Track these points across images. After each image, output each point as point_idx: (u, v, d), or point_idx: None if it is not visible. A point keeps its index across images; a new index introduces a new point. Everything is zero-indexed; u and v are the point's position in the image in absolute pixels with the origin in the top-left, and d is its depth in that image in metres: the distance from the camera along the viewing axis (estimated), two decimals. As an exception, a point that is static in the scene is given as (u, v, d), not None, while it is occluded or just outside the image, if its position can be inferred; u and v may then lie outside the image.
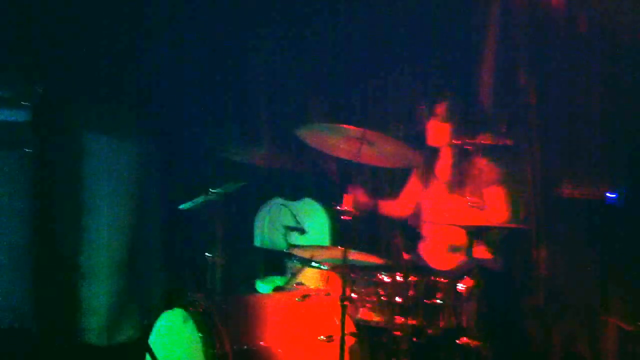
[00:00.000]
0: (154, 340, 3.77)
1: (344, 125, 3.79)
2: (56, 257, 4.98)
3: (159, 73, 5.17)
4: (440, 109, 4.28)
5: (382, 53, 5.18)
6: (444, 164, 4.41)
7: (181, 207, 4.53)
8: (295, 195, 5.16)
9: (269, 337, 3.66)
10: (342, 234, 3.85)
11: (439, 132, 4.31)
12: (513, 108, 4.67)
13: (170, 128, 5.27)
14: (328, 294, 3.87)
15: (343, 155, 3.96)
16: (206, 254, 4.43)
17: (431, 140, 4.37)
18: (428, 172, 4.50)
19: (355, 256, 3.91)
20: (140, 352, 3.85)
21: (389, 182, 4.71)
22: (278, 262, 4.67)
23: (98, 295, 5.05)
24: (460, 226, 3.84)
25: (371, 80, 5.20)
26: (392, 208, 4.61)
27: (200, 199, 4.55)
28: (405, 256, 3.89)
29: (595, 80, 4.37)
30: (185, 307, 3.69)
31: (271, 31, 5.33)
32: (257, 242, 5.12)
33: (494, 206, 4.22)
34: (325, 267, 4.02)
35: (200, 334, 3.57)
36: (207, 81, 5.35)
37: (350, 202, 3.81)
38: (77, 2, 4.87)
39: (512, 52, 4.76)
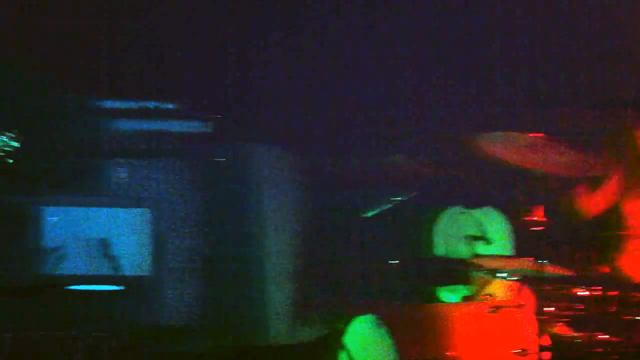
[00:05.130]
0: (346, 342, 3.85)
1: (524, 133, 3.71)
2: (239, 259, 5.19)
3: (323, 80, 5.30)
4: None
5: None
6: None
7: (364, 215, 4.61)
8: (475, 203, 5.10)
9: (461, 347, 3.65)
10: (531, 244, 3.77)
11: None
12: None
13: (340, 137, 5.38)
14: (521, 306, 3.81)
15: (525, 165, 3.87)
16: (389, 261, 4.49)
17: None
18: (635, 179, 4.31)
19: (546, 268, 3.83)
20: (330, 352, 3.94)
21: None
22: (460, 271, 4.63)
23: (281, 297, 5.21)
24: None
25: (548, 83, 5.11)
26: (588, 202, 4.43)
27: (382, 207, 4.62)
28: (604, 269, 3.76)
29: None
30: (377, 313, 3.75)
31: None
32: (438, 251, 5.10)
33: None
34: (516, 279, 3.95)
35: (391, 340, 3.61)
36: (370, 85, 5.41)
37: (540, 212, 3.73)
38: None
39: None
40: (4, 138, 3.85)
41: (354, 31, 5.30)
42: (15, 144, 3.84)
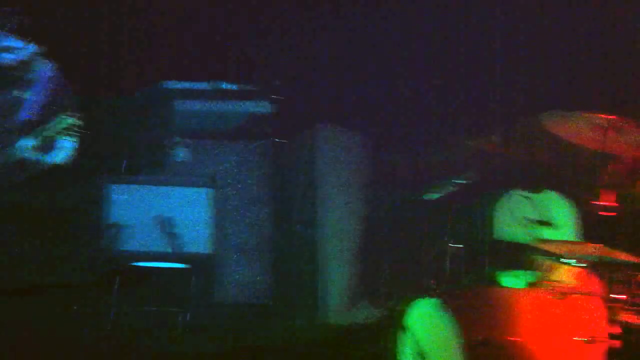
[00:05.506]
0: (408, 324, 3.83)
1: (590, 113, 3.61)
2: (295, 240, 5.22)
3: (381, 73, 5.26)
4: None
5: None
6: None
7: (424, 197, 4.57)
8: (535, 186, 5.01)
9: (524, 333, 3.59)
10: (599, 229, 3.68)
11: None
12: None
13: (402, 120, 5.33)
14: (589, 293, 3.73)
15: (589, 145, 3.78)
16: (450, 244, 4.46)
17: None
18: None
19: (614, 254, 3.74)
20: (392, 333, 3.93)
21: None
22: (521, 255, 4.56)
23: (336, 277, 5.23)
24: None
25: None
26: None
27: (442, 190, 4.57)
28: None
29: None
30: (438, 296, 3.72)
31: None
32: (498, 234, 5.03)
33: None
34: (583, 265, 3.87)
35: (455, 323, 3.58)
36: (433, 71, 5.34)
37: (610, 196, 3.65)
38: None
39: None
40: (74, 119, 3.93)
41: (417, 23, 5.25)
42: (85, 125, 3.93)
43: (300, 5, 5.17)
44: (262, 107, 5.13)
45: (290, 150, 5.23)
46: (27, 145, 4.03)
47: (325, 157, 5.29)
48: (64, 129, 3.96)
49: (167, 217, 4.56)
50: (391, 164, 5.33)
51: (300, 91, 5.22)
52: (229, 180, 5.02)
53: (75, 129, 3.98)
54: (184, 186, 4.70)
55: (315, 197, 5.29)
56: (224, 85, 5.11)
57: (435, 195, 4.50)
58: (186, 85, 5.08)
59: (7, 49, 4.15)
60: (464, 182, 4.61)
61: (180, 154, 4.95)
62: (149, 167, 4.92)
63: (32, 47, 4.23)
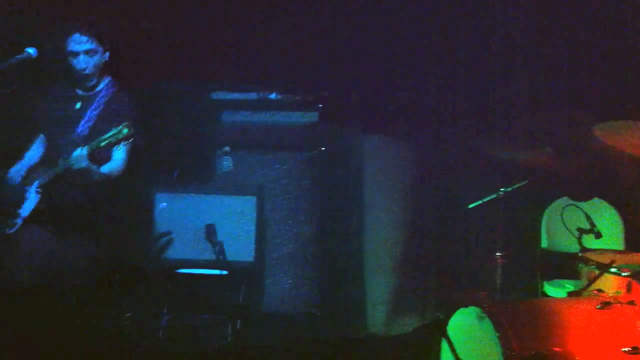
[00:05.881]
0: (449, 333, 3.83)
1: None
2: (341, 250, 5.26)
3: (426, 82, 5.26)
4: None
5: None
6: None
7: (470, 206, 4.56)
8: (583, 195, 4.95)
9: (568, 343, 3.55)
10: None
11: None
12: None
13: (446, 128, 5.32)
14: (631, 303, 3.67)
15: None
16: (496, 253, 4.45)
17: None
18: None
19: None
20: (428, 344, 3.93)
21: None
22: (567, 265, 4.51)
23: (381, 287, 5.25)
24: None
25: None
26: None
27: (488, 198, 4.57)
28: None
29: None
30: (480, 306, 3.71)
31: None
32: (544, 244, 4.99)
33: None
34: (627, 274, 3.81)
35: (497, 334, 3.56)
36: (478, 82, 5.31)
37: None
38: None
39: None
40: (120, 128, 4.04)
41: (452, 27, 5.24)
42: (131, 135, 4.02)
43: (345, 16, 5.19)
44: (309, 117, 5.20)
45: (337, 160, 5.28)
46: (83, 154, 4.10)
47: (372, 166, 5.32)
48: (121, 140, 4.03)
49: (214, 225, 4.66)
50: (439, 172, 5.32)
51: (347, 101, 5.26)
52: (275, 190, 5.10)
53: (131, 140, 4.05)
54: (230, 195, 4.79)
55: (362, 206, 5.32)
56: (272, 96, 5.20)
57: (479, 203, 4.48)
58: (234, 95, 5.18)
59: (88, 52, 4.24)
60: (511, 190, 4.59)
61: (226, 164, 5.05)
62: (197, 176, 5.03)
63: (106, 55, 4.32)
